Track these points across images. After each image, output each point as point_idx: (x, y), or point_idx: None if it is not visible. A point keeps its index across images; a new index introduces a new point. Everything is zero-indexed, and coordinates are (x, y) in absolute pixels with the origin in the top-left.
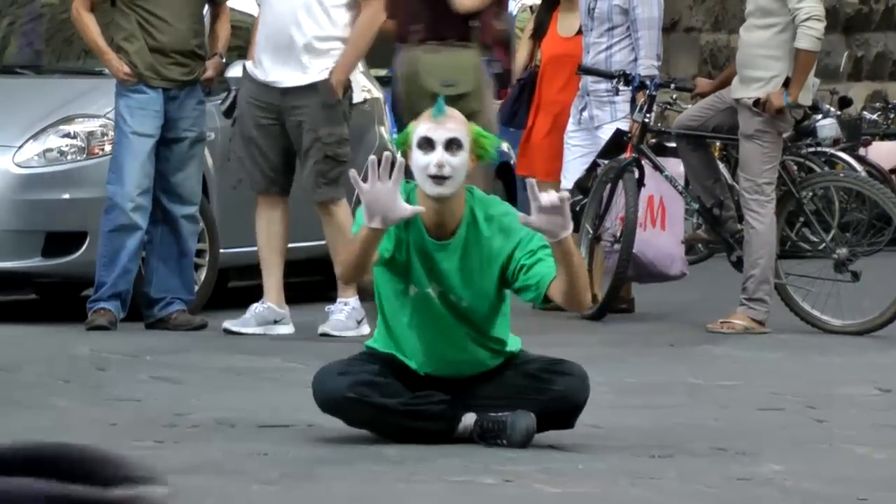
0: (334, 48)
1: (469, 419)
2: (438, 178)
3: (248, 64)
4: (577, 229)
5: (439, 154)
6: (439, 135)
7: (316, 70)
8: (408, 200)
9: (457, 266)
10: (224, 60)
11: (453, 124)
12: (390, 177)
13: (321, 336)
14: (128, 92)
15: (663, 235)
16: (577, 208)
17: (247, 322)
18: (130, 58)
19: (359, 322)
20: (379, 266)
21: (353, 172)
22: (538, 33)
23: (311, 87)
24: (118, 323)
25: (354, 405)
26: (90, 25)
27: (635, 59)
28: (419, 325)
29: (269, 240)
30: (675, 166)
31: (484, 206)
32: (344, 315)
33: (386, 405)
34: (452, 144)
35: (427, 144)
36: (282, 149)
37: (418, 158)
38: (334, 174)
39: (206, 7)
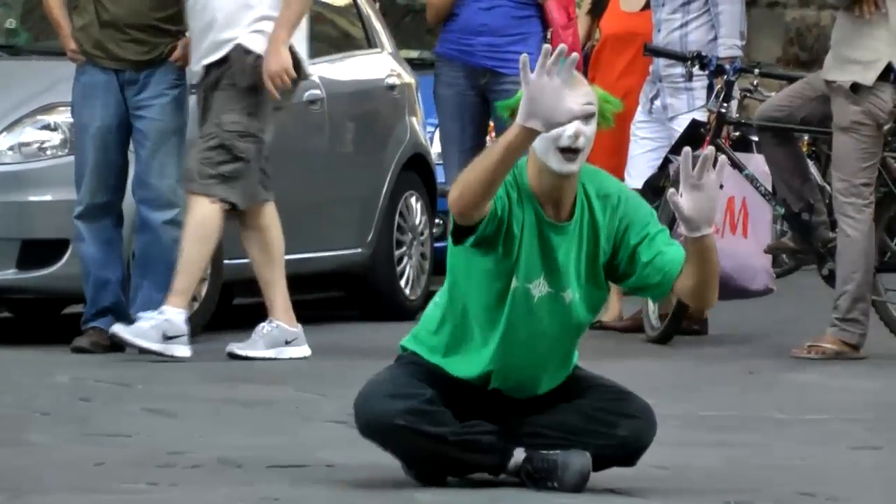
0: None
1: (519, 455)
2: (571, 152)
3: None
4: None
5: (574, 123)
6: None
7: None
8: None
9: (574, 254)
10: None
11: (586, 88)
12: (560, 73)
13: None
14: (77, 74)
15: (745, 244)
16: None
17: (254, 344)
18: (75, 34)
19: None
20: (479, 254)
21: (524, 57)
22: (597, 8)
23: (224, 61)
24: (111, 344)
25: (405, 433)
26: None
27: (714, 39)
28: (509, 331)
29: (262, 252)
30: (759, 164)
31: (594, 182)
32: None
33: (439, 434)
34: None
35: None
36: None
37: None
38: (227, 170)
39: None
